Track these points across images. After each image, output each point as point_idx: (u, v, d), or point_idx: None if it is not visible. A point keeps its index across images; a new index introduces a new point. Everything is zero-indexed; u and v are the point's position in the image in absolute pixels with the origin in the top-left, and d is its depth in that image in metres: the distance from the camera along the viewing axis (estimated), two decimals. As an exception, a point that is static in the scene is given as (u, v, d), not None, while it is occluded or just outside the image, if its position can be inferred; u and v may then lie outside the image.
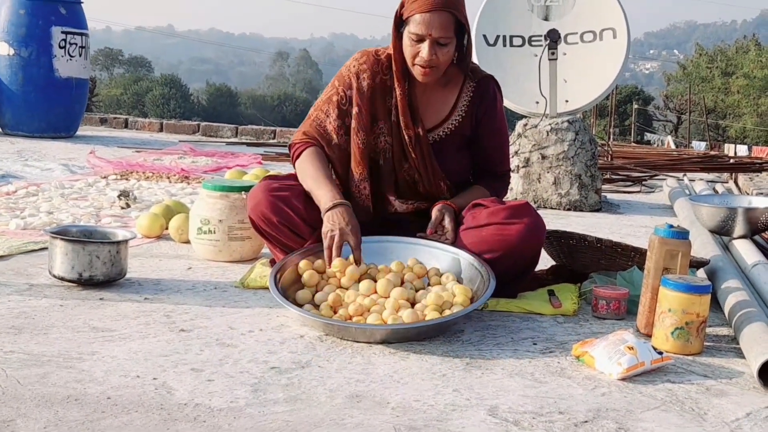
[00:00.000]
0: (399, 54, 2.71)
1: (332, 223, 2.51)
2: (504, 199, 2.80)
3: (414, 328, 2.24)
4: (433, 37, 2.59)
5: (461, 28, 2.66)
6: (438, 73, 2.69)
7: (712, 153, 9.68)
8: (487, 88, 2.81)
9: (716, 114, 40.47)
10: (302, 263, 2.56)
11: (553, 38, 5.08)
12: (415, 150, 2.76)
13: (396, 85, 2.74)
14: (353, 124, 2.77)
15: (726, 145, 22.19)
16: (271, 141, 9.79)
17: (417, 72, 2.68)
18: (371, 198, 2.79)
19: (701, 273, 2.95)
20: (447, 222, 2.67)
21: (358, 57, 2.84)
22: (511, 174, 5.05)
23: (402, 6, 2.66)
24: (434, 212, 2.70)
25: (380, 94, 2.77)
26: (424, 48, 2.61)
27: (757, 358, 2.03)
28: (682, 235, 2.41)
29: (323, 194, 2.59)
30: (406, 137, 2.76)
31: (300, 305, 2.38)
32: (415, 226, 2.77)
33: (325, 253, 2.50)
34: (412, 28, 2.61)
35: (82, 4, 8.14)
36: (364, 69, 2.79)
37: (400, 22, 2.68)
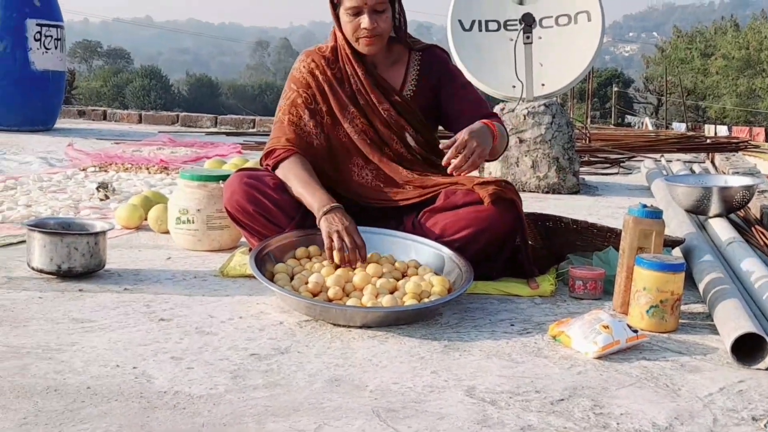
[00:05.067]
0: (345, 38, 2.77)
1: (333, 224, 2.52)
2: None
3: (394, 312, 2.26)
4: (369, 5, 2.66)
5: None
6: (382, 42, 2.73)
7: (689, 134, 9.73)
8: (432, 55, 2.87)
9: (696, 95, 40.66)
10: (299, 251, 2.60)
11: (528, 22, 5.10)
12: (401, 117, 2.80)
13: (355, 67, 2.79)
14: (327, 120, 2.80)
15: (706, 125, 22.30)
16: (251, 130, 9.76)
17: (362, 45, 2.72)
18: (378, 178, 2.81)
19: (676, 252, 2.98)
20: (463, 132, 2.47)
21: (304, 58, 2.87)
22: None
23: None
24: (460, 134, 2.48)
25: (338, 85, 2.81)
26: (364, 18, 2.67)
27: (730, 334, 2.06)
28: (655, 214, 2.44)
29: (317, 199, 2.59)
30: (384, 112, 2.79)
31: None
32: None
33: (331, 255, 2.48)
34: (347, 4, 2.68)
35: (57, -4, 8.08)
36: (315, 66, 2.83)
37: (335, 7, 2.74)
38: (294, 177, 2.69)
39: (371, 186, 2.81)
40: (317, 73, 2.82)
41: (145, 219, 3.50)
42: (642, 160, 6.81)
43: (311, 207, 2.61)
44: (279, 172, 2.74)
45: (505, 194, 2.61)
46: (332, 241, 2.48)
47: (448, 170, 2.48)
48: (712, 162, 7.28)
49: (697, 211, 3.68)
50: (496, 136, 2.60)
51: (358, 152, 2.81)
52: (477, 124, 2.55)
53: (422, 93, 2.84)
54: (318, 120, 2.80)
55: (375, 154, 2.80)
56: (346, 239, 2.48)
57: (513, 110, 5.14)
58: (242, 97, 53.43)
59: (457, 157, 2.46)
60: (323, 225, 2.53)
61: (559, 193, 5.09)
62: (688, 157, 7.56)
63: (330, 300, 2.35)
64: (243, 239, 3.15)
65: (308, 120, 2.79)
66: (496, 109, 5.24)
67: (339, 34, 2.79)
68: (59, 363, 1.89)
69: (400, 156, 2.82)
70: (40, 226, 2.68)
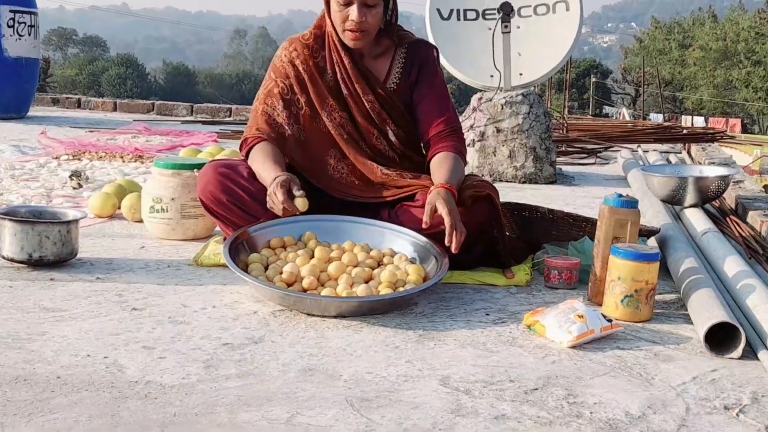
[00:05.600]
0: (333, 25, 2.72)
1: (270, 189, 2.50)
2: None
3: (368, 302, 2.25)
4: None
5: None
6: (368, 38, 2.69)
7: (666, 124, 9.78)
8: (417, 51, 2.82)
9: (673, 86, 40.91)
10: (273, 241, 2.57)
11: (506, 11, 5.09)
12: (383, 110, 2.76)
13: (341, 56, 2.75)
14: (306, 111, 2.77)
15: (683, 116, 22.47)
16: (227, 119, 9.70)
17: (347, 38, 2.68)
18: (354, 174, 2.78)
19: (652, 242, 2.99)
20: (441, 210, 2.43)
21: (287, 45, 2.83)
22: (467, 148, 5.09)
23: None
24: (426, 204, 2.48)
25: (318, 76, 2.77)
26: (353, 11, 2.62)
27: (703, 324, 2.07)
28: (631, 204, 2.44)
29: (270, 174, 2.57)
30: (367, 104, 2.75)
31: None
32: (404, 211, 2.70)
33: (277, 208, 2.48)
34: None
35: (30, -17, 7.99)
36: (296, 55, 2.79)
37: None
38: (256, 161, 2.67)
39: (345, 182, 2.78)
40: (297, 62, 2.78)
41: (119, 208, 3.47)
42: (619, 150, 6.83)
43: (266, 183, 2.58)
44: (249, 160, 2.72)
45: (481, 193, 2.60)
46: (273, 196, 2.47)
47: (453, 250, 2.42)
48: (689, 152, 7.32)
49: (673, 201, 3.69)
50: (456, 194, 2.54)
51: (336, 145, 2.79)
52: (445, 197, 2.46)
53: (404, 87, 2.80)
54: (293, 111, 2.77)
55: (350, 151, 2.77)
56: (278, 194, 2.45)
57: (491, 100, 5.13)
58: (219, 86, 53.14)
59: (452, 243, 2.39)
60: (268, 196, 2.51)
61: (536, 182, 5.10)
62: (664, 147, 7.59)
63: (305, 290, 2.33)
64: (218, 228, 3.13)
65: (282, 110, 2.76)
66: (474, 99, 5.24)
67: (328, 21, 2.74)
68: (29, 352, 1.87)
69: (377, 152, 2.79)
70: (10, 214, 2.64)
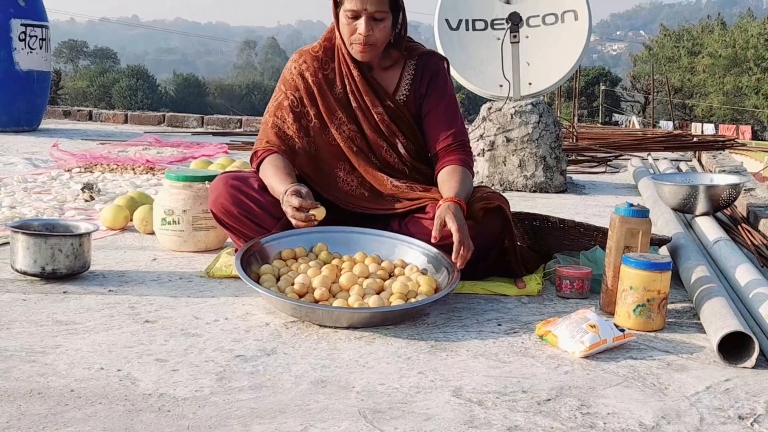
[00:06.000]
0: (342, 38, 2.73)
1: (284, 200, 2.53)
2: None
3: (380, 313, 2.25)
4: (369, 12, 2.62)
5: (396, 4, 2.68)
6: (376, 51, 2.70)
7: (676, 132, 9.76)
8: (427, 63, 2.82)
9: (683, 93, 40.84)
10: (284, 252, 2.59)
11: (515, 21, 5.10)
12: (392, 123, 2.76)
13: (350, 68, 2.75)
14: (315, 123, 2.78)
15: (693, 124, 22.41)
16: (238, 130, 9.73)
17: (355, 50, 2.69)
18: (363, 186, 2.78)
19: (663, 250, 2.99)
20: (450, 224, 2.44)
21: (297, 58, 2.84)
22: (477, 158, 5.09)
23: None
24: (436, 218, 2.49)
25: (327, 88, 2.78)
26: (361, 24, 2.63)
27: (716, 333, 2.06)
28: (642, 213, 2.44)
29: (279, 187, 2.59)
30: (376, 116, 2.76)
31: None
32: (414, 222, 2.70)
33: (296, 223, 2.52)
34: (347, 6, 2.64)
35: (41, -4, 8.04)
36: (305, 67, 2.80)
37: (337, 5, 2.71)
38: (267, 173, 2.68)
39: (355, 194, 2.79)
40: (307, 75, 2.79)
41: (131, 220, 3.48)
42: (629, 159, 6.82)
43: (278, 195, 2.60)
44: (260, 173, 2.73)
45: (492, 204, 2.60)
46: (290, 216, 2.51)
47: (457, 266, 2.43)
48: (699, 160, 7.30)
49: (684, 209, 3.68)
50: (465, 208, 2.55)
51: (345, 158, 2.79)
52: (455, 212, 2.47)
53: (413, 100, 2.80)
54: (303, 124, 2.78)
55: (360, 163, 2.77)
56: (294, 207, 2.49)
57: (500, 109, 5.14)
58: (229, 97, 53.33)
59: (458, 258, 2.40)
60: (283, 207, 2.54)
61: (547, 192, 5.10)
62: (674, 155, 7.58)
63: (316, 301, 2.33)
64: (229, 240, 3.14)
65: (291, 123, 2.77)
66: (483, 109, 5.24)
67: (337, 33, 2.74)
68: (43, 366, 1.88)
69: (387, 165, 2.79)
70: (23, 227, 2.65)
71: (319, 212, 2.49)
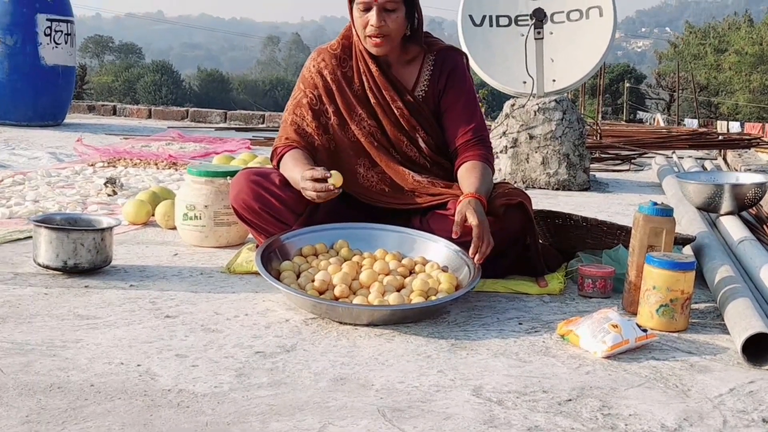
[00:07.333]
0: (357, 34, 2.73)
1: (301, 180, 2.55)
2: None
3: (400, 310, 2.24)
4: (380, 3, 2.61)
5: None
6: (390, 43, 2.68)
7: (701, 130, 9.67)
8: (446, 58, 2.80)
9: (709, 91, 40.47)
10: (305, 248, 2.59)
11: (539, 17, 5.06)
12: (412, 118, 2.75)
13: (369, 64, 2.75)
14: (334, 120, 2.77)
15: (718, 122, 22.17)
16: (261, 126, 9.75)
17: (369, 44, 2.68)
18: (384, 182, 2.78)
19: (687, 250, 2.95)
20: (471, 219, 2.43)
21: (315, 56, 2.84)
22: (500, 155, 5.07)
23: None
24: (456, 214, 2.48)
25: (346, 85, 2.78)
26: (372, 15, 2.62)
27: (740, 334, 2.03)
28: (666, 212, 2.41)
29: (298, 173, 2.59)
30: (396, 111, 2.75)
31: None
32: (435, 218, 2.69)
33: (317, 195, 2.52)
34: None
35: (67, -9, 8.08)
36: (324, 65, 2.80)
37: (351, 1, 2.70)
38: (288, 165, 2.69)
39: (376, 189, 2.78)
40: (325, 73, 2.79)
41: (153, 215, 3.49)
42: (653, 157, 6.76)
43: (297, 185, 2.60)
44: (281, 168, 2.72)
45: (513, 201, 2.59)
46: (310, 193, 2.52)
47: (475, 261, 2.42)
48: (724, 159, 7.23)
49: (709, 208, 3.64)
50: (485, 204, 2.54)
51: (366, 154, 2.78)
52: (475, 207, 2.46)
53: (432, 95, 2.79)
54: (322, 121, 2.78)
55: (382, 158, 2.76)
56: (306, 176, 2.50)
57: (523, 106, 5.11)
58: (253, 92, 53.53)
59: (477, 253, 2.40)
60: (302, 189, 2.55)
61: (570, 189, 5.07)
62: (699, 153, 7.51)
63: (336, 298, 2.33)
64: (250, 236, 3.14)
65: (311, 121, 2.77)
66: (506, 105, 5.22)
67: (354, 30, 2.75)
68: (63, 360, 1.88)
69: (408, 159, 2.78)
70: (46, 221, 2.67)
71: (336, 179, 2.49)
